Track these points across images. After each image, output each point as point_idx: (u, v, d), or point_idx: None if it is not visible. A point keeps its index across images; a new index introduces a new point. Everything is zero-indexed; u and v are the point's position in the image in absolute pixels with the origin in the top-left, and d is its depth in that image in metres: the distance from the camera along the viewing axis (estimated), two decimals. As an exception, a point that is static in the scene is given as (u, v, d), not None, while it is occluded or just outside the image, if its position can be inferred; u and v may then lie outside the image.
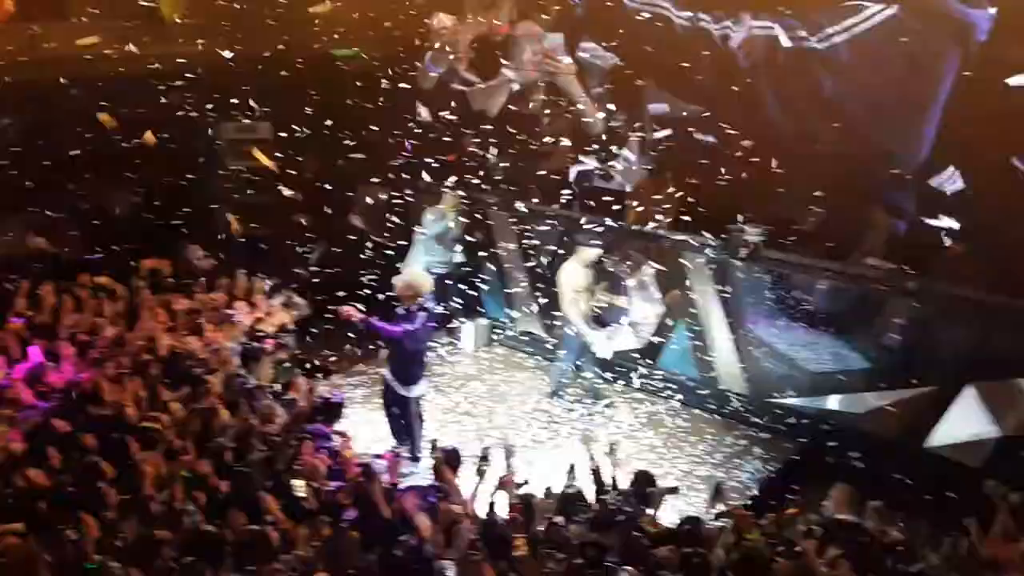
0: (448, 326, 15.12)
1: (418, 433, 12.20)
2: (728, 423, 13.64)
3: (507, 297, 15.29)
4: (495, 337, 15.60)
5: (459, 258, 15.14)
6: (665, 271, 13.65)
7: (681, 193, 14.06)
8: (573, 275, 13.28)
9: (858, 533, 9.11)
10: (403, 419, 12.16)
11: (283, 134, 15.10)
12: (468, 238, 15.11)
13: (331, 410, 11.64)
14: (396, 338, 11.70)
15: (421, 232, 14.76)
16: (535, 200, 14.89)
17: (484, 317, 15.57)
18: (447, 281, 14.82)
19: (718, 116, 13.67)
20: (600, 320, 13.63)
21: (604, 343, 13.48)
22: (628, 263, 13.77)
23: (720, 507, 9.94)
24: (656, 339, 14.02)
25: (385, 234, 15.16)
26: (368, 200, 15.55)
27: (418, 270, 12.74)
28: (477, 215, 14.98)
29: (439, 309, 12.38)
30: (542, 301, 14.83)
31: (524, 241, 14.83)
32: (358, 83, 15.27)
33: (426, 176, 14.86)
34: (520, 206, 14.67)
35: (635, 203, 14.46)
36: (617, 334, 13.70)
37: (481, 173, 15.03)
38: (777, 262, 13.18)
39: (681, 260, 13.54)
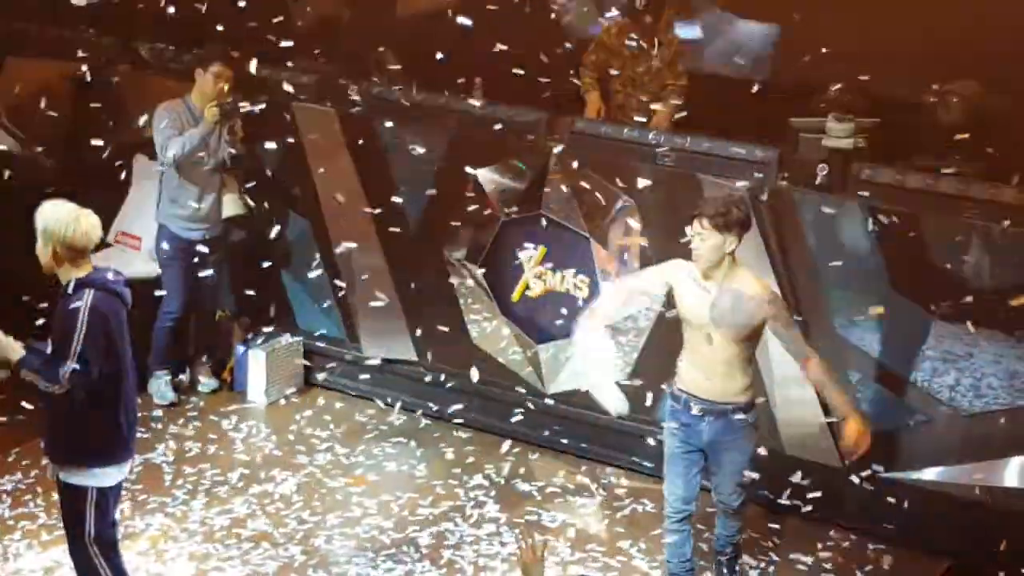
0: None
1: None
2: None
3: (343, 298, 8.36)
4: (323, 372, 8.62)
5: (235, 210, 8.17)
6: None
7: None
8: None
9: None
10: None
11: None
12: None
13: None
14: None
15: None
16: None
17: (290, 334, 8.58)
18: (206, 259, 7.98)
19: None
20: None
21: None
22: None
23: None
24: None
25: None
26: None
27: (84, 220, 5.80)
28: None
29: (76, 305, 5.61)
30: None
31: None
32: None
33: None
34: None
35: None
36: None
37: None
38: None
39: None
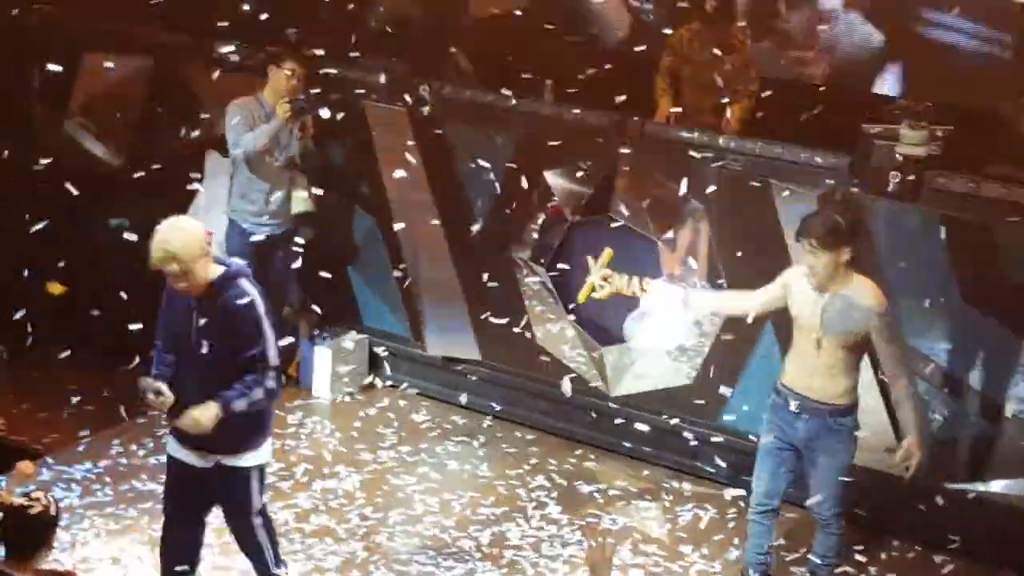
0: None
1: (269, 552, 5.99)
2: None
3: (407, 293, 8.38)
4: (388, 369, 8.57)
5: (303, 207, 8.14)
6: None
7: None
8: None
9: None
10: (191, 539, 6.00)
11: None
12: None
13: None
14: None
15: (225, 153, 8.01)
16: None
17: (356, 331, 8.58)
18: (274, 255, 7.99)
19: None
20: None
21: None
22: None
23: None
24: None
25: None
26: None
27: (191, 221, 5.85)
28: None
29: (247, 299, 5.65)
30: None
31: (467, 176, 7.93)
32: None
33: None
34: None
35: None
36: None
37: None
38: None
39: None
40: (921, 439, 6.05)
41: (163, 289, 5.69)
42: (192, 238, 5.46)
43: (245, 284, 5.60)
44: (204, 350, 5.53)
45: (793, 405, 6.08)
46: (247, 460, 5.76)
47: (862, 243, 6.11)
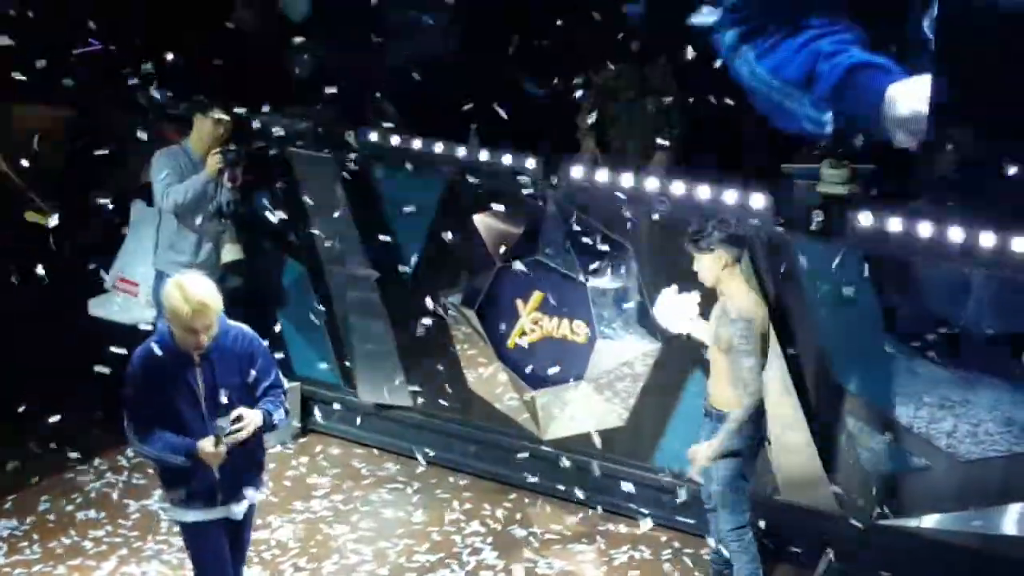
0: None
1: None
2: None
3: (338, 340, 8.33)
4: (320, 417, 8.47)
5: (233, 255, 8.17)
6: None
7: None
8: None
9: None
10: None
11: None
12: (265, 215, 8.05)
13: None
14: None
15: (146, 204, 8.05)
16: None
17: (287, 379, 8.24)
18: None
19: None
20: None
21: None
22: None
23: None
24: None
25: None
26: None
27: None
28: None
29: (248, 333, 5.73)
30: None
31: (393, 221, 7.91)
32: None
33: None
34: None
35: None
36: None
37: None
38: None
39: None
40: (713, 452, 6.21)
41: (140, 371, 5.51)
42: (216, 292, 5.46)
43: (233, 324, 5.62)
44: (224, 400, 5.47)
45: (704, 409, 6.38)
46: (261, 492, 5.88)
47: (741, 252, 6.25)
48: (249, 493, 5.71)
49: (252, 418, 5.48)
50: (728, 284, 6.19)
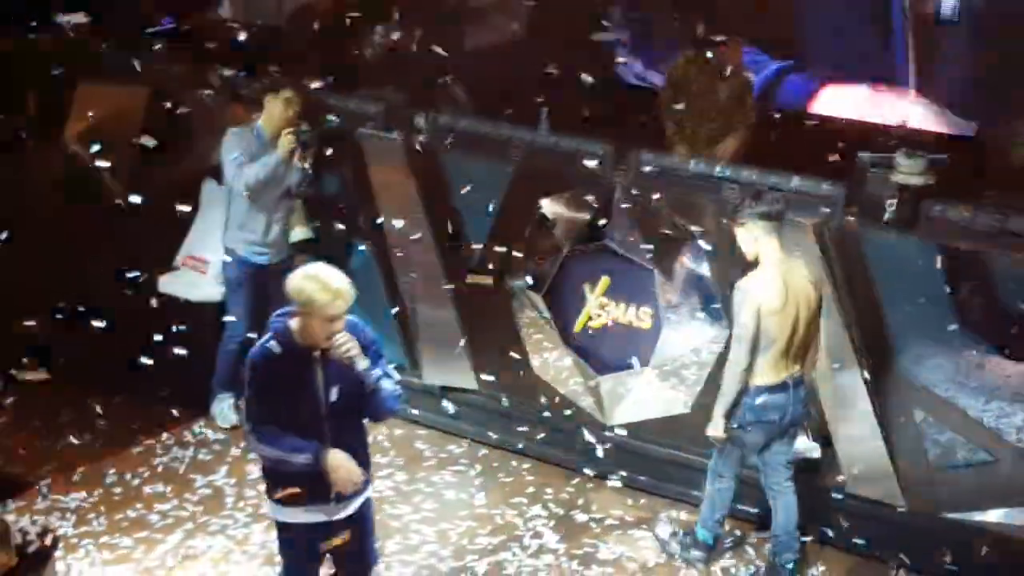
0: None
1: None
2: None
3: (403, 322, 8.31)
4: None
5: (302, 235, 8.22)
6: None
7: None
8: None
9: None
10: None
11: None
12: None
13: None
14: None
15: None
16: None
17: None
18: (273, 283, 7.42)
19: None
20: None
21: None
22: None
23: None
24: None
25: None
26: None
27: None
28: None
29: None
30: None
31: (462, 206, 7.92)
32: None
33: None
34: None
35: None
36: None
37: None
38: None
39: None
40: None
41: (261, 370, 5.39)
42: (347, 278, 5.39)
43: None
44: (334, 398, 5.39)
45: None
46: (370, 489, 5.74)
47: (773, 227, 6.33)
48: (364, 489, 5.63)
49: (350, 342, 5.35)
50: (762, 259, 6.32)
